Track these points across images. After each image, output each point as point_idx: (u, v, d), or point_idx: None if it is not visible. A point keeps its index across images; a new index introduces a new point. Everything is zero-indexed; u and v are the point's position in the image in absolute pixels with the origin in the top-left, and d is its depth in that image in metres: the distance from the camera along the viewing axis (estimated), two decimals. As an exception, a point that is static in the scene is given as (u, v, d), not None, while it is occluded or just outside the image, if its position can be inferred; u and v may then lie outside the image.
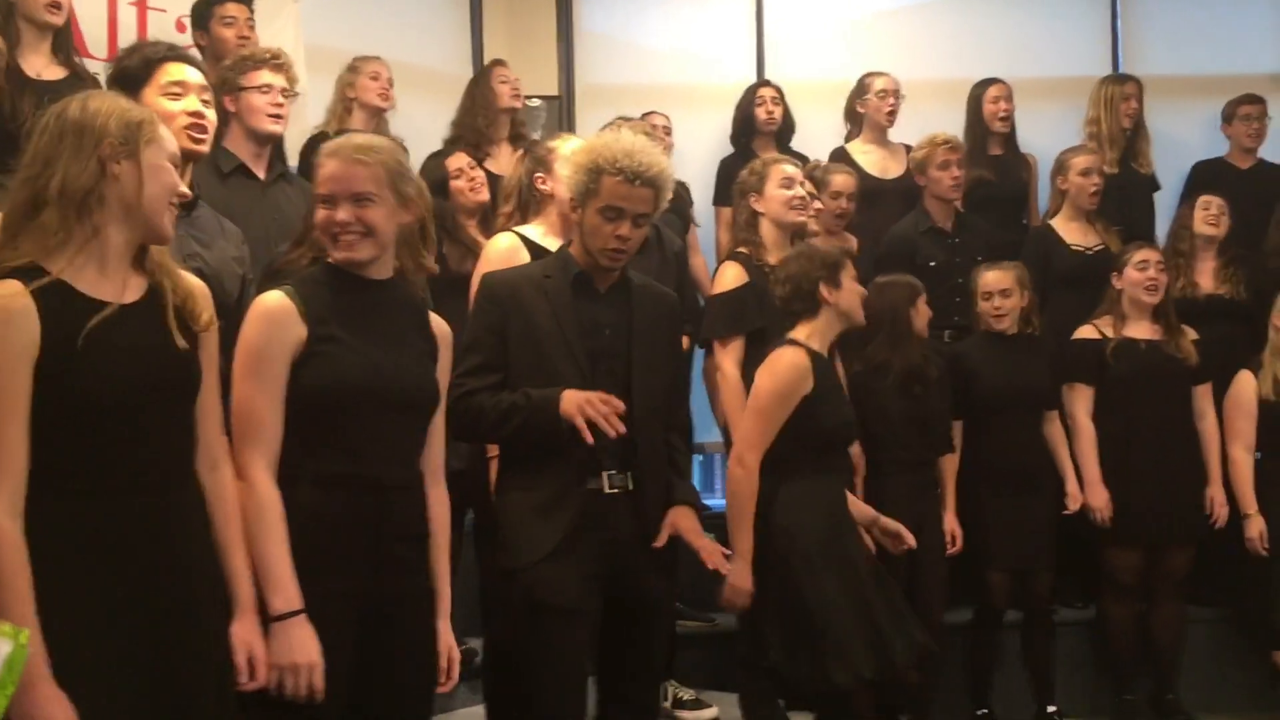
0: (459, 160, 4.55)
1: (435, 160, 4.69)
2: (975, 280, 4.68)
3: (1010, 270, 4.65)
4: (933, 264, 5.04)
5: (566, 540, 2.82)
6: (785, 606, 3.43)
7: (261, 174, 3.68)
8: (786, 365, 3.53)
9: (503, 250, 3.62)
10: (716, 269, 4.45)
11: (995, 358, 4.61)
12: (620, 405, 2.77)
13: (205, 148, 3.01)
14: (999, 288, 4.61)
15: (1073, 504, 4.66)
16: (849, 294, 3.63)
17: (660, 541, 2.92)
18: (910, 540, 3.79)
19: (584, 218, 2.92)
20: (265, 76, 3.61)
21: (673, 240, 4.22)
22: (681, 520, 2.96)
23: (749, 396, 3.56)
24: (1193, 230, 5.18)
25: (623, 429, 2.76)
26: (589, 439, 2.74)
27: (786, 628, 3.43)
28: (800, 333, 3.62)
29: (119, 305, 2.09)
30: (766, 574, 3.49)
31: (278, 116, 3.63)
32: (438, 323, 2.65)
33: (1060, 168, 5.31)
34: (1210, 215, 5.15)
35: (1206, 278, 5.16)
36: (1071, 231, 5.23)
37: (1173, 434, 4.73)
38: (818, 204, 4.53)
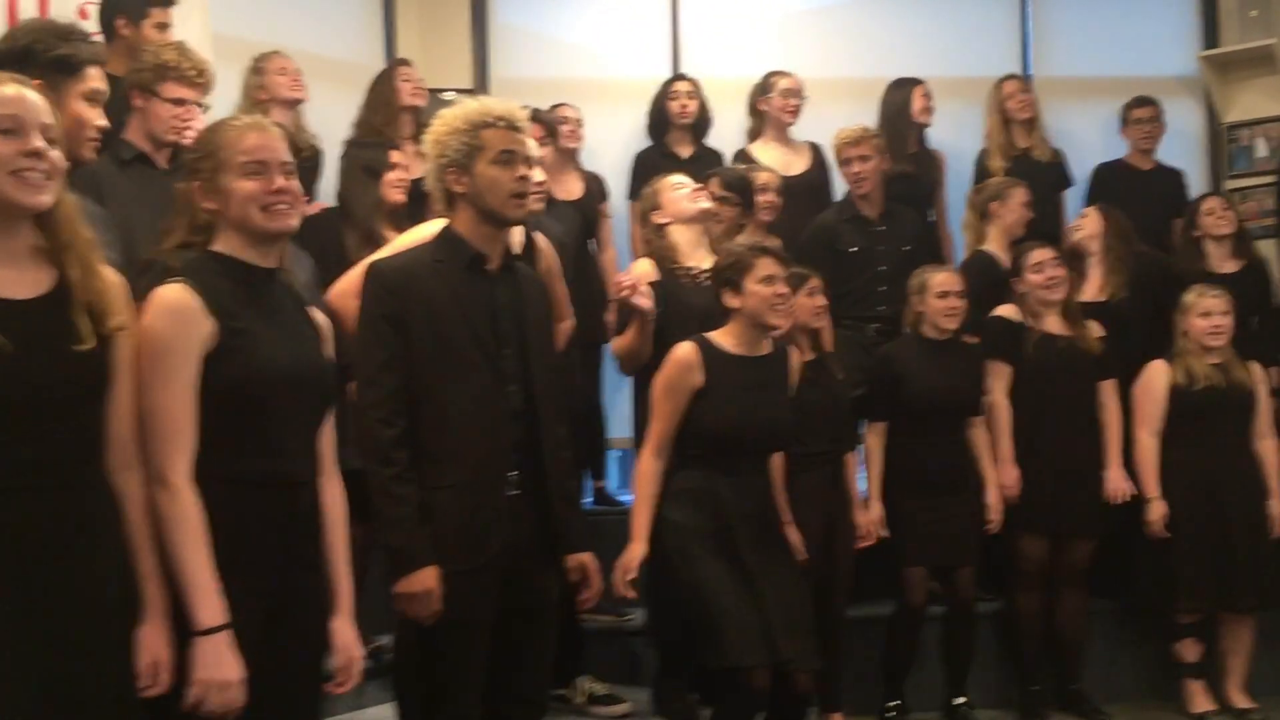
0: (403, 157, 4.41)
1: (377, 149, 4.54)
2: (922, 280, 4.63)
3: (958, 273, 4.66)
4: (853, 250, 5.12)
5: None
6: (679, 597, 3.48)
7: (163, 163, 3.58)
8: (673, 360, 3.60)
9: None
10: (630, 264, 4.41)
11: (929, 361, 4.60)
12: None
13: (94, 156, 3.01)
14: (955, 289, 4.61)
15: (993, 515, 4.67)
16: (753, 297, 3.61)
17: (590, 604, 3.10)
18: (802, 555, 3.86)
19: (475, 180, 2.86)
20: (183, 91, 3.51)
21: (550, 227, 4.13)
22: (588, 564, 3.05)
23: None
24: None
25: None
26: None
27: (683, 616, 3.49)
28: (716, 331, 3.65)
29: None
30: (663, 565, 3.55)
31: (185, 130, 3.53)
32: (317, 313, 2.58)
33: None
34: (1075, 225, 5.21)
35: (1091, 284, 5.14)
36: None
37: (1080, 428, 4.79)
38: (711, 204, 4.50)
